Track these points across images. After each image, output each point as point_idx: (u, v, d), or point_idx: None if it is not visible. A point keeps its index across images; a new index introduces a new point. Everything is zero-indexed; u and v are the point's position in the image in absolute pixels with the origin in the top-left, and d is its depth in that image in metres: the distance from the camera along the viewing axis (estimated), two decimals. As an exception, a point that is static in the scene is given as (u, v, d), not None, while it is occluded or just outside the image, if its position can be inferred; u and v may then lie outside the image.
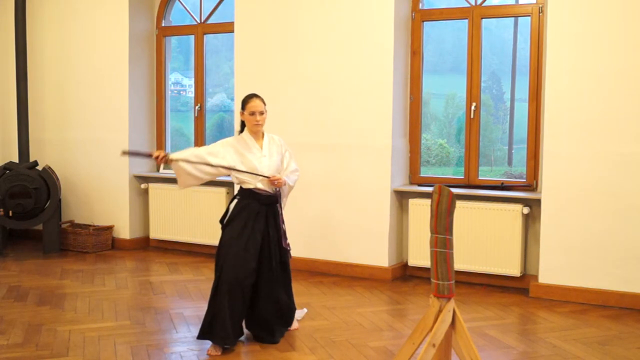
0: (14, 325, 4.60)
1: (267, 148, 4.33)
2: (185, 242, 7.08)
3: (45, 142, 7.69)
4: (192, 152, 4.26)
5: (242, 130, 4.40)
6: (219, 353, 4.07)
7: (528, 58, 5.76)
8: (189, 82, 8.67)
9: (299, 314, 4.75)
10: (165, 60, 7.48)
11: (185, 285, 5.74)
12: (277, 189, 4.29)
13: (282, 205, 4.38)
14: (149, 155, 4.30)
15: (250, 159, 4.24)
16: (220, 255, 4.20)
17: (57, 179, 7.23)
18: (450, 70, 8.41)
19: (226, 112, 9.01)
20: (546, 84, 5.35)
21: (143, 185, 7.32)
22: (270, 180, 4.21)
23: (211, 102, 8.70)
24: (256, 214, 4.22)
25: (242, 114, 4.32)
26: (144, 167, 7.40)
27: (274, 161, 4.31)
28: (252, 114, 4.24)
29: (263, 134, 4.37)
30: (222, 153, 4.24)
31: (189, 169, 4.21)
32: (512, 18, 6.93)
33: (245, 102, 4.29)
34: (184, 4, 7.34)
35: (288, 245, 4.37)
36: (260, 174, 4.21)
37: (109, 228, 7.27)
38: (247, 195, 4.25)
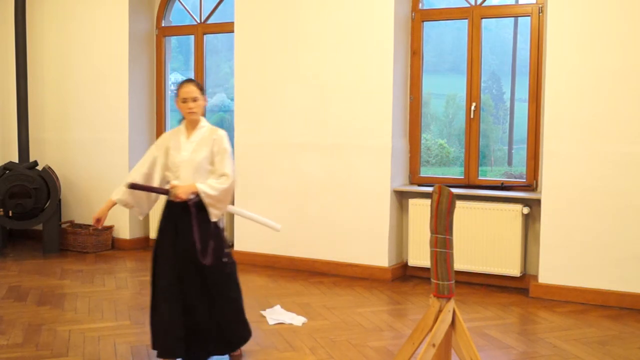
0: (14, 325, 4.60)
1: (195, 141, 3.80)
2: (185, 242, 7.07)
3: (45, 142, 7.69)
4: (139, 175, 3.85)
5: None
6: None
7: (528, 58, 5.76)
8: (189, 82, 8.67)
9: (296, 319, 4.76)
10: (165, 60, 7.48)
11: (185, 285, 5.73)
12: (194, 196, 3.68)
13: (212, 216, 3.73)
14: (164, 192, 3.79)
15: (173, 154, 3.81)
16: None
17: (57, 179, 7.23)
18: (450, 70, 8.42)
19: (226, 112, 9.02)
20: (546, 84, 5.35)
21: (143, 185, 7.32)
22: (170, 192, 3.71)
23: (211, 102, 8.72)
24: (168, 219, 3.81)
25: (176, 101, 3.85)
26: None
27: (195, 157, 3.76)
28: (184, 100, 3.77)
29: (200, 125, 3.85)
30: (146, 156, 3.90)
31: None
32: (512, 18, 6.95)
33: (177, 88, 3.85)
34: (184, 4, 7.34)
35: (209, 260, 3.72)
36: (155, 189, 3.77)
37: (109, 228, 7.26)
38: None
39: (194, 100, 3.77)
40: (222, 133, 3.82)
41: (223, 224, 3.88)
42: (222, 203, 3.75)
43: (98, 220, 3.87)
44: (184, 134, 3.83)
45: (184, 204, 3.69)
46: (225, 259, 3.82)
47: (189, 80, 3.84)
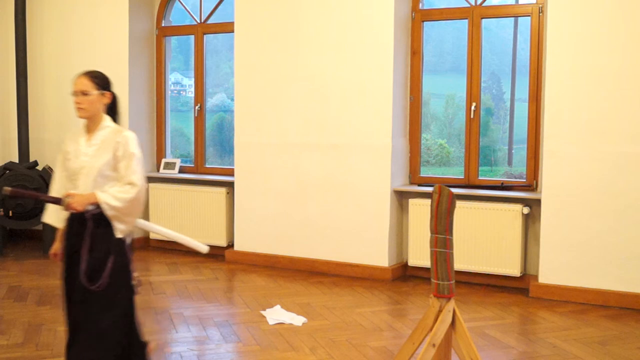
0: (14, 325, 4.60)
1: (96, 144, 3.24)
2: (185, 242, 7.06)
3: (45, 142, 7.69)
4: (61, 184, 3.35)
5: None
6: None
7: (528, 58, 5.76)
8: (189, 82, 8.68)
9: (296, 319, 4.75)
10: (165, 60, 7.47)
11: (185, 285, 5.74)
12: (93, 207, 3.13)
13: (117, 231, 3.18)
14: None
15: (71, 159, 3.27)
16: None
17: (57, 179, 7.23)
18: (450, 70, 8.41)
19: (226, 112, 9.01)
20: (546, 84, 5.35)
21: (143, 185, 7.31)
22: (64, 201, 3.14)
23: (211, 102, 8.70)
24: (69, 235, 3.26)
25: None
26: (143, 166, 7.38)
27: (95, 163, 3.20)
28: (74, 94, 3.23)
29: (102, 126, 3.28)
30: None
31: None
32: (512, 18, 6.95)
33: None
34: (184, 4, 7.33)
35: (98, 285, 3.12)
36: (44, 197, 3.25)
37: (109, 228, 7.25)
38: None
39: (84, 94, 3.21)
40: (129, 135, 3.26)
41: (130, 242, 3.30)
42: (128, 216, 3.20)
43: (55, 255, 3.37)
44: (84, 137, 3.28)
45: (84, 217, 3.15)
46: (134, 283, 3.27)
47: (85, 72, 3.30)
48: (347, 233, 6.11)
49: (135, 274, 3.27)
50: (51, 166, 7.36)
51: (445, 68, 8.50)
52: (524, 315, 5.00)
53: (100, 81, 3.28)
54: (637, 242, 5.06)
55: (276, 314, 4.86)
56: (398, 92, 6.00)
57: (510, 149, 8.59)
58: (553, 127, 5.28)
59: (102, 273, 3.12)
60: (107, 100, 3.29)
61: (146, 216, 7.39)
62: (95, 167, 3.19)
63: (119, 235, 3.19)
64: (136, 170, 3.22)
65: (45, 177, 7.06)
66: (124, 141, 3.22)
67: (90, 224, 3.14)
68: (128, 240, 3.27)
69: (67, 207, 3.13)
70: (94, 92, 3.23)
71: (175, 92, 9.15)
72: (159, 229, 3.71)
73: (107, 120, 3.29)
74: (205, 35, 7.21)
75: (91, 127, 3.28)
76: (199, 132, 7.26)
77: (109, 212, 3.13)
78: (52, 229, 7.08)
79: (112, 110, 3.35)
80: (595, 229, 5.17)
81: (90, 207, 3.12)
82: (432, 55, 7.97)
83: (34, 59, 7.61)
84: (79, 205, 3.10)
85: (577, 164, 5.21)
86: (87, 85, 3.23)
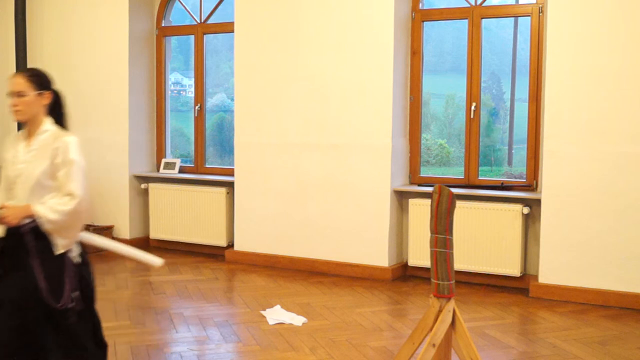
0: (14, 325, 4.60)
1: (34, 150, 2.97)
2: (185, 242, 7.08)
3: (45, 142, 7.68)
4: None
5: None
6: None
7: (528, 58, 5.76)
8: (189, 82, 8.68)
9: (296, 319, 4.75)
10: (165, 60, 7.48)
11: (185, 285, 5.74)
12: (30, 221, 2.87)
13: (57, 247, 2.91)
14: None
15: (7, 165, 3.02)
16: None
17: (57, 179, 7.23)
18: (450, 70, 8.42)
19: (226, 112, 9.01)
20: (546, 84, 5.35)
21: (143, 185, 7.32)
22: None
23: (211, 102, 8.71)
24: (4, 251, 2.98)
25: None
26: (144, 167, 7.40)
27: (32, 171, 2.92)
28: (9, 95, 2.97)
29: (41, 129, 3.00)
30: None
31: None
32: (512, 18, 6.95)
33: None
34: (184, 4, 7.33)
35: (64, 303, 2.89)
36: None
37: (109, 228, 7.26)
38: None
39: (19, 95, 2.94)
40: (69, 140, 2.96)
41: (76, 257, 3.00)
42: (69, 230, 2.92)
43: None
44: (24, 142, 3.01)
45: (20, 232, 2.89)
46: (71, 304, 2.94)
47: (21, 71, 3.06)
48: (347, 233, 6.11)
49: (74, 295, 2.96)
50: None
51: (445, 68, 8.51)
52: (524, 315, 5.00)
53: (38, 79, 2.99)
54: (637, 242, 5.06)
55: (276, 314, 4.86)
56: (398, 92, 6.00)
57: (510, 149, 8.60)
58: (553, 127, 5.28)
59: (60, 289, 2.89)
60: (46, 100, 3.00)
61: (146, 216, 7.39)
62: (33, 175, 2.91)
63: (60, 250, 2.91)
64: (76, 179, 2.92)
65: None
66: (63, 147, 2.93)
67: (29, 238, 2.88)
68: (73, 256, 2.98)
69: (0, 221, 2.88)
70: (31, 92, 2.94)
71: (175, 92, 9.15)
72: (107, 243, 3.35)
73: (47, 123, 3.01)
74: (205, 35, 7.21)
75: (31, 130, 3.00)
76: (199, 132, 7.26)
77: (46, 226, 2.87)
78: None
79: (56, 111, 3.07)
80: (595, 229, 5.17)
81: (26, 221, 2.88)
82: (432, 55, 7.98)
83: (34, 59, 7.61)
84: (13, 219, 2.85)
85: (577, 164, 5.21)
86: (23, 85, 2.94)
